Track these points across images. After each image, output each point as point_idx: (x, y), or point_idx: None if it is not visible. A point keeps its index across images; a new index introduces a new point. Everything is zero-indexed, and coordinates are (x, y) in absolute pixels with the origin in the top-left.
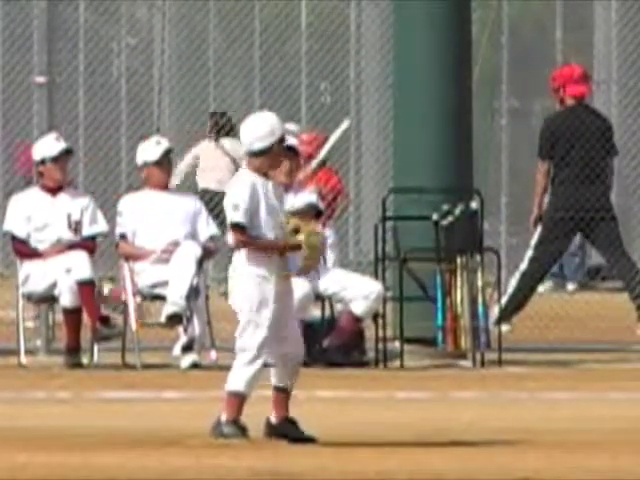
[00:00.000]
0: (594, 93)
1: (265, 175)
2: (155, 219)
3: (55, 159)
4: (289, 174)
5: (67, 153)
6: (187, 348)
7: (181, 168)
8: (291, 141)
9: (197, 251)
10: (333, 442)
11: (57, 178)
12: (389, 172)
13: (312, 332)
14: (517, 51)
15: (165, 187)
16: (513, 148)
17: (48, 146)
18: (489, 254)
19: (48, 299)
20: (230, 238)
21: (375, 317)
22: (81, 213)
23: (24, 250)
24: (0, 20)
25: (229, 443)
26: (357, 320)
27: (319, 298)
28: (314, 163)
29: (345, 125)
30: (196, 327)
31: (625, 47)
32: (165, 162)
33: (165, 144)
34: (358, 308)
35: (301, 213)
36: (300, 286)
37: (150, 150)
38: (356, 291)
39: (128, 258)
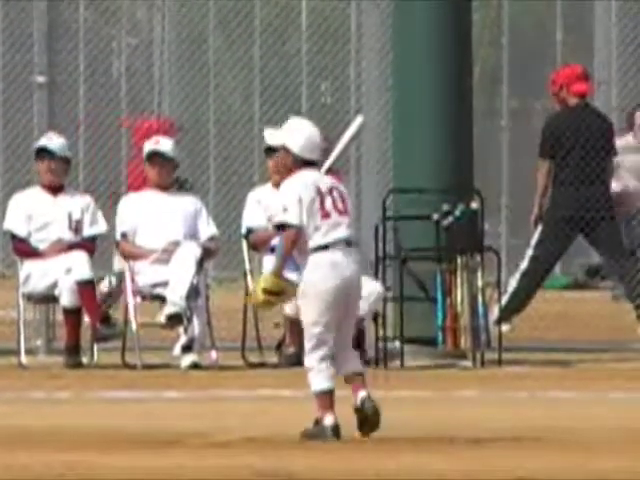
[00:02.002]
0: (594, 94)
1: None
2: (155, 219)
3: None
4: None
5: (43, 152)
6: (187, 348)
7: None
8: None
9: (197, 251)
10: (333, 441)
11: (51, 178)
12: (389, 172)
13: None
14: (517, 51)
15: (164, 188)
16: (513, 148)
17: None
18: (489, 254)
19: (48, 299)
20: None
21: (375, 317)
22: (82, 213)
23: (24, 249)
24: (0, 20)
25: (229, 442)
26: (358, 320)
27: None
28: (325, 166)
29: (359, 121)
30: (196, 327)
31: (625, 48)
32: (158, 162)
33: (160, 146)
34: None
35: None
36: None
37: (147, 149)
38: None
39: (128, 257)
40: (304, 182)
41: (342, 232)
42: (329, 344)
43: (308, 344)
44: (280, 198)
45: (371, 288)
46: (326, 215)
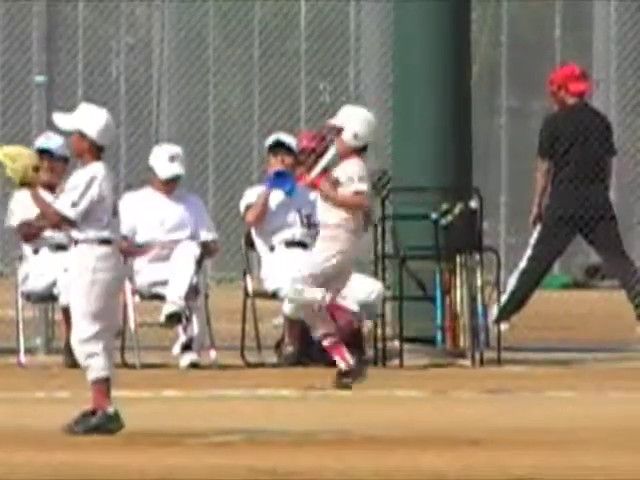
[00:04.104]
0: (593, 92)
1: None
2: (156, 219)
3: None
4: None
5: (43, 152)
6: (186, 347)
7: None
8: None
9: (196, 250)
10: (332, 441)
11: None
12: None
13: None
14: (516, 50)
15: (168, 190)
16: (512, 147)
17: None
18: (488, 253)
19: (47, 298)
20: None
21: (374, 316)
22: None
23: (32, 232)
24: None
25: (228, 442)
26: (357, 319)
27: None
28: (314, 172)
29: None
30: (195, 326)
31: (624, 46)
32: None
33: (176, 169)
34: (358, 307)
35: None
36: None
37: (160, 163)
38: (356, 291)
39: (126, 256)
40: (100, 177)
41: (120, 232)
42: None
43: (88, 332)
44: (74, 185)
45: (371, 287)
46: (115, 212)
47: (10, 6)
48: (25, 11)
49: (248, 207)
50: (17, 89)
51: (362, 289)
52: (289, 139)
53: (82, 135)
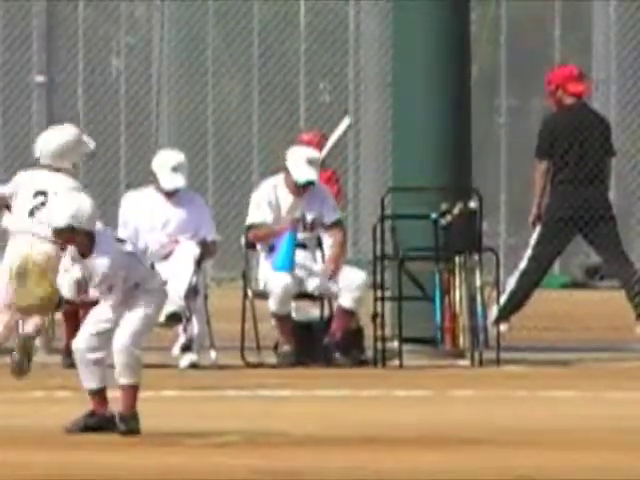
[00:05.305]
0: (593, 93)
1: None
2: (158, 221)
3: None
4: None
5: None
6: (186, 348)
7: None
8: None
9: (196, 251)
10: (332, 441)
11: None
12: (388, 171)
13: (311, 331)
14: (516, 50)
15: (170, 194)
16: (512, 147)
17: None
18: (488, 253)
19: None
20: None
21: (374, 316)
22: None
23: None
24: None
25: (228, 442)
26: (348, 313)
27: (315, 297)
28: (324, 150)
29: (346, 122)
30: (195, 327)
31: (624, 46)
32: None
33: (179, 181)
34: (345, 301)
35: (329, 227)
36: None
37: (163, 173)
38: (341, 284)
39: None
40: (115, 247)
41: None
42: None
43: (144, 340)
44: (103, 275)
45: (352, 277)
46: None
47: (10, 6)
48: (25, 11)
49: (253, 226)
50: (17, 89)
51: (345, 279)
52: (314, 173)
53: (73, 229)
